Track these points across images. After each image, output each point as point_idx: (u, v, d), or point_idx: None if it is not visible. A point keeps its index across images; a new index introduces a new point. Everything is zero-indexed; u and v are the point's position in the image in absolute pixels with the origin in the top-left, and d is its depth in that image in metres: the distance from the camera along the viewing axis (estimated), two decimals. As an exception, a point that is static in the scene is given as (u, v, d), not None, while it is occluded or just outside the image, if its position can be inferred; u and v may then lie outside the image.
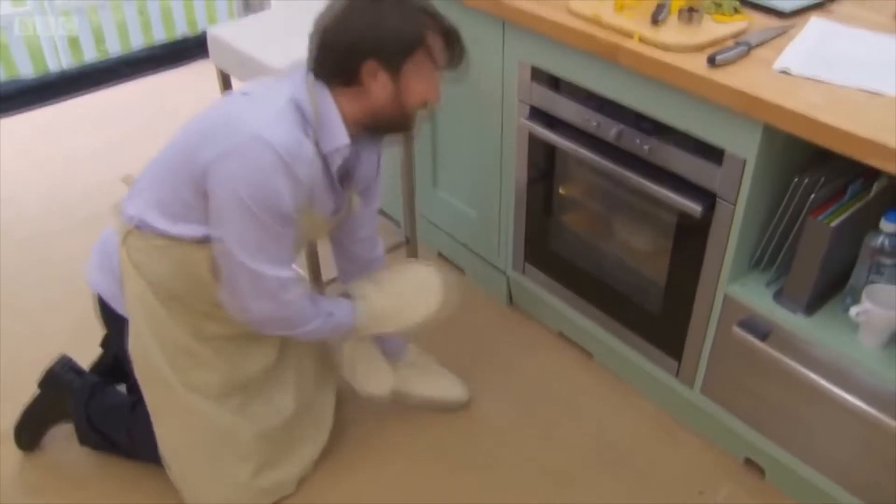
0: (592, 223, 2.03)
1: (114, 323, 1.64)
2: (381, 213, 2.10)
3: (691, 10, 1.63)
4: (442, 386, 1.99)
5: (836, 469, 1.61)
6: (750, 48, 1.55)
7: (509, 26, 1.84)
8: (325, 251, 1.98)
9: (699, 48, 1.55)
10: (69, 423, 1.85)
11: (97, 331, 1.79)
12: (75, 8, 4.01)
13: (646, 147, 1.67)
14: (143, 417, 1.66)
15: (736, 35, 1.61)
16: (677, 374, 1.86)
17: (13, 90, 3.68)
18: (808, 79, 1.45)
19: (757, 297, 1.63)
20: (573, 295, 2.06)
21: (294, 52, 1.55)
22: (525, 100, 1.91)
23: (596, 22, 1.67)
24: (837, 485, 1.62)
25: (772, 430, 1.70)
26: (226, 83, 2.37)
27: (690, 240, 1.68)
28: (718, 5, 1.69)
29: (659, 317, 1.85)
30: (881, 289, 1.48)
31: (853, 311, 1.48)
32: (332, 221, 1.64)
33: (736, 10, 1.69)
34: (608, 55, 1.63)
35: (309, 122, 1.42)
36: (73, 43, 4.12)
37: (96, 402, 1.82)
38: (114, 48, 4.15)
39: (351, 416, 1.97)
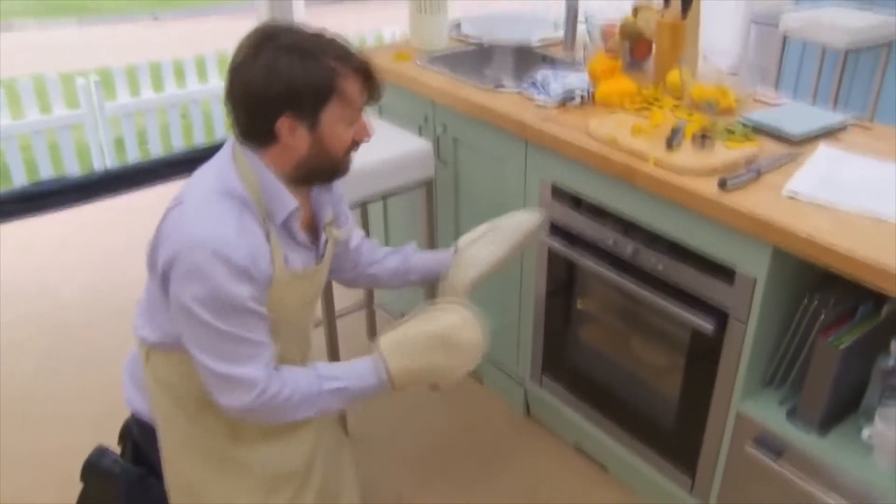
0: (609, 337, 2.07)
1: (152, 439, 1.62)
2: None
3: (704, 135, 1.72)
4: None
5: None
6: (760, 173, 1.62)
7: (532, 146, 1.93)
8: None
9: (711, 172, 1.62)
10: None
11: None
12: (124, 113, 4.24)
13: (660, 265, 1.73)
14: None
15: (747, 160, 1.68)
16: (691, 490, 1.85)
17: (59, 187, 3.86)
18: (816, 204, 1.51)
19: (770, 415, 1.64)
20: (589, 408, 2.08)
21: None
22: (546, 217, 1.99)
23: (613, 144, 1.76)
24: None
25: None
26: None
27: (703, 356, 1.71)
28: (731, 131, 1.78)
29: (673, 432, 1.86)
30: (893, 411, 1.49)
31: (865, 432, 1.48)
32: (323, 268, 1.57)
33: (747, 137, 1.77)
34: (625, 176, 1.71)
35: (247, 204, 1.37)
36: (119, 144, 4.33)
37: (140, 492, 1.82)
38: (156, 150, 4.37)
39: None
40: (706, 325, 1.64)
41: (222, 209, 1.34)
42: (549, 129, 1.87)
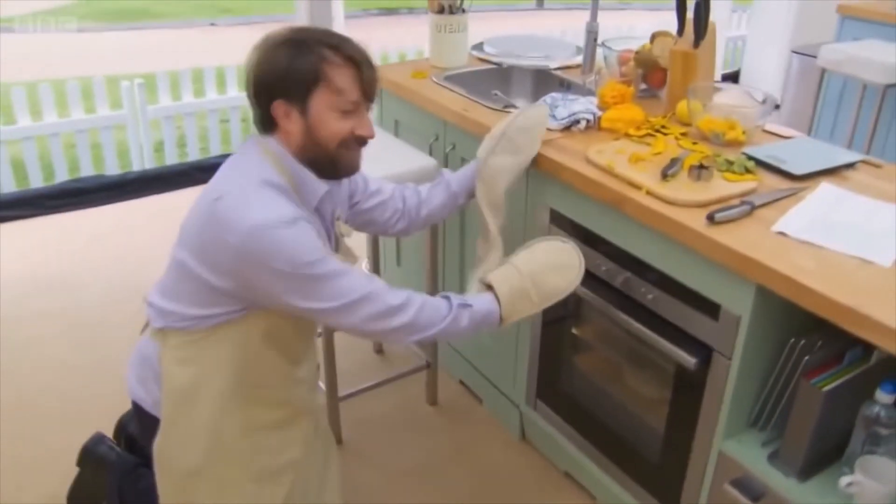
0: (602, 366, 2.04)
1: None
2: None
3: (701, 167, 1.70)
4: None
5: None
6: (753, 208, 1.59)
7: (532, 170, 1.93)
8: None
9: (703, 205, 1.60)
10: None
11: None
12: (164, 115, 4.35)
13: (650, 296, 1.71)
14: None
15: (743, 194, 1.65)
16: (674, 528, 1.81)
17: (97, 185, 3.98)
18: (804, 242, 1.48)
19: (752, 456, 1.60)
20: (579, 436, 2.06)
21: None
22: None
23: (609, 172, 1.75)
24: None
25: None
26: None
27: (687, 391, 1.68)
28: (730, 163, 1.75)
29: (658, 467, 1.83)
30: (875, 461, 1.44)
31: (843, 481, 1.44)
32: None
33: (747, 170, 1.74)
34: (616, 204, 1.69)
35: (286, 192, 1.43)
36: (158, 147, 4.45)
37: (131, 481, 1.86)
38: (193, 154, 4.47)
39: None
40: (690, 359, 1.61)
41: (269, 195, 1.40)
42: (549, 153, 1.86)
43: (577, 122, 1.98)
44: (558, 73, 2.49)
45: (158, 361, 1.53)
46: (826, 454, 1.56)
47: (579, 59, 2.52)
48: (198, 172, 4.09)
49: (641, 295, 1.73)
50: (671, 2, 2.09)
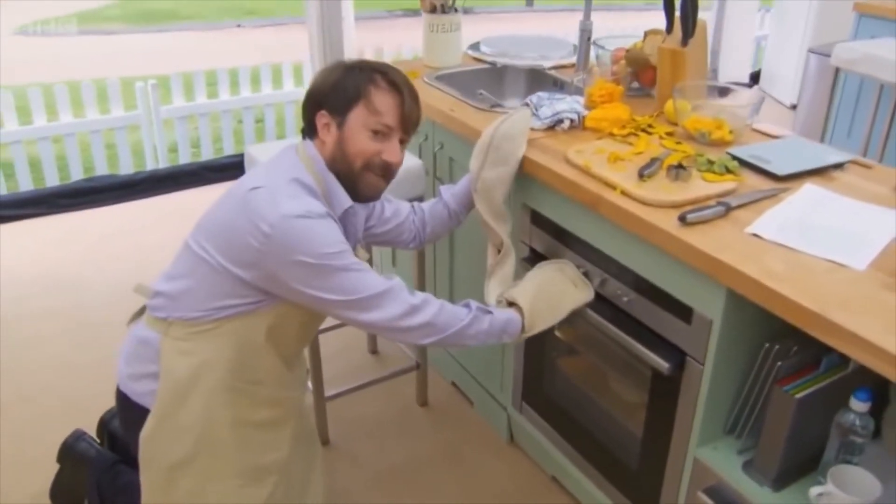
0: (583, 370, 2.01)
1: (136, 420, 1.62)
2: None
3: (679, 166, 1.66)
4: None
5: None
6: (729, 209, 1.55)
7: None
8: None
9: (677, 205, 1.56)
10: None
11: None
12: (177, 116, 4.39)
13: (625, 298, 1.67)
14: None
15: (721, 195, 1.61)
16: (653, 536, 1.77)
17: (108, 185, 4.02)
18: (777, 244, 1.43)
19: (726, 464, 1.56)
20: (563, 441, 2.02)
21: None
22: (526, 241, 1.96)
23: (586, 172, 1.72)
24: None
25: None
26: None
27: (663, 396, 1.64)
28: (711, 163, 1.71)
29: (637, 473, 1.79)
30: (848, 471, 1.39)
31: (813, 491, 1.39)
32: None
33: (728, 170, 1.69)
34: (592, 205, 1.66)
35: (317, 195, 1.50)
36: (173, 147, 4.49)
37: (110, 478, 1.88)
38: (207, 154, 4.50)
39: None
40: (663, 363, 1.57)
41: (300, 191, 1.47)
42: (530, 153, 1.83)
43: (561, 121, 1.95)
44: (552, 72, 2.46)
45: (158, 351, 1.54)
46: (802, 463, 1.52)
47: (575, 59, 2.49)
48: (208, 172, 4.11)
49: (618, 297, 1.69)
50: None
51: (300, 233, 1.40)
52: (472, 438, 2.36)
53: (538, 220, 1.89)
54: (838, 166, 1.77)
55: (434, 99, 2.20)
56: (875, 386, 1.40)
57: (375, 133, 1.53)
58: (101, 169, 4.21)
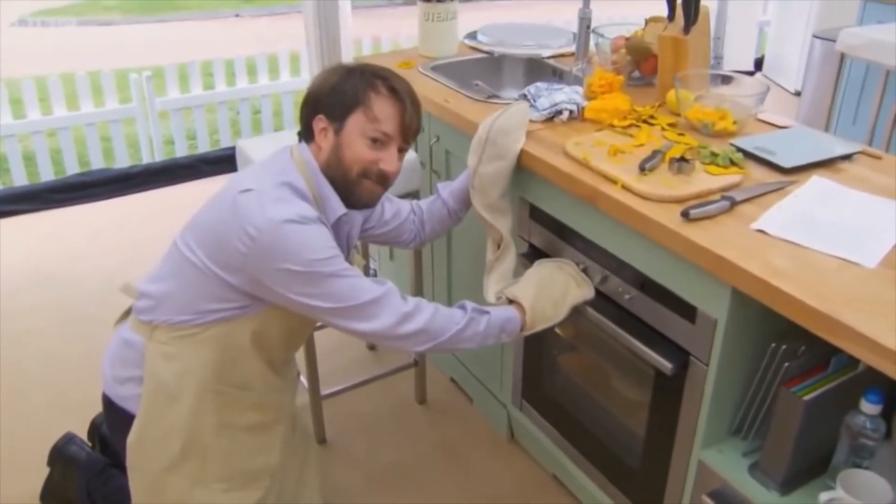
0: (583, 368, 1.96)
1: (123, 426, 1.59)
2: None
3: (682, 159, 1.60)
4: None
5: None
6: (734, 203, 1.49)
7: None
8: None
9: (680, 200, 1.50)
10: None
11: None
12: (173, 108, 4.34)
13: (627, 296, 1.62)
14: None
15: (725, 189, 1.55)
16: (656, 539, 1.73)
17: (102, 179, 3.97)
18: (783, 240, 1.38)
19: (732, 466, 1.51)
20: (564, 440, 1.98)
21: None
22: (525, 237, 1.90)
23: (585, 165, 1.66)
24: None
25: None
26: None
27: (666, 397, 1.59)
28: (715, 156, 1.65)
29: (640, 474, 1.74)
30: (858, 474, 1.34)
31: (823, 497, 1.34)
32: None
33: (733, 163, 1.63)
34: (589, 199, 1.61)
35: (308, 199, 1.45)
36: (169, 139, 4.43)
37: (100, 482, 1.85)
38: (203, 147, 4.44)
39: None
40: (666, 364, 1.52)
41: (290, 196, 1.43)
42: (527, 146, 1.77)
43: (560, 112, 1.89)
44: (551, 61, 2.40)
45: (142, 355, 1.51)
46: (811, 466, 1.47)
47: (574, 48, 2.43)
48: (203, 165, 4.06)
49: (619, 295, 1.64)
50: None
51: (288, 238, 1.36)
52: (471, 436, 2.32)
53: (537, 214, 1.84)
54: (846, 157, 1.71)
55: (429, 90, 2.15)
56: (886, 387, 1.34)
57: (374, 141, 1.49)
58: (97, 163, 4.16)
